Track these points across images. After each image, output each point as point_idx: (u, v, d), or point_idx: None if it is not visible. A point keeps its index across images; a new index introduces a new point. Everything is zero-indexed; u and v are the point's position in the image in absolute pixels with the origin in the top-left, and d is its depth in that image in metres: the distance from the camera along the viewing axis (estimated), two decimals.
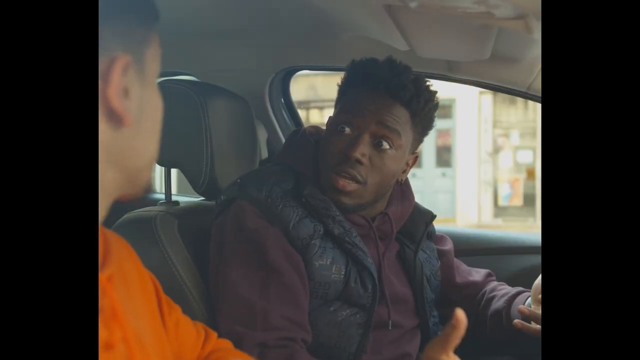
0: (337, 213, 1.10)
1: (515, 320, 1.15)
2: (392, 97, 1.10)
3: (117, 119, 0.56)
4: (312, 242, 1.07)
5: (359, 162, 1.08)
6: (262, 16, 1.38)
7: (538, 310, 1.14)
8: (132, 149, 0.58)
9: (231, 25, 1.46)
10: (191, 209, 1.27)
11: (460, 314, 0.83)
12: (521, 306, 1.17)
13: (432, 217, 1.28)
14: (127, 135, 0.57)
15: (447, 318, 1.32)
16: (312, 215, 1.10)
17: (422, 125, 1.17)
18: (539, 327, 1.13)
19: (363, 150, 1.08)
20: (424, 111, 1.14)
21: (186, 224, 1.17)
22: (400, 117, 1.11)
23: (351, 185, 1.09)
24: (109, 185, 0.58)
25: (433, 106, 1.16)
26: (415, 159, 1.20)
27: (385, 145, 1.10)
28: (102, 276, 0.57)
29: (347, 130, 1.11)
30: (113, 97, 0.55)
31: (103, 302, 0.56)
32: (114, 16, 0.56)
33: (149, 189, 0.63)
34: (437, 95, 1.17)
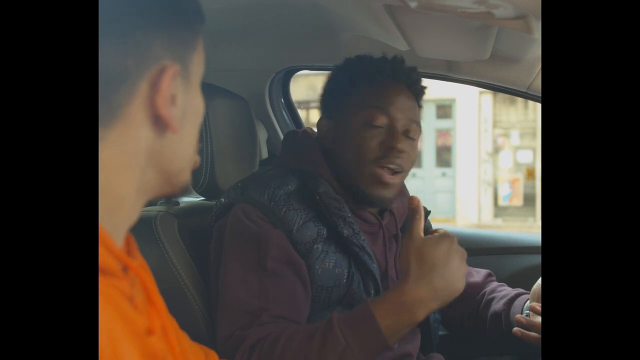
0: (349, 214, 1.10)
1: (514, 329, 1.15)
2: (411, 90, 1.16)
3: (162, 126, 0.56)
4: (315, 246, 1.07)
5: (402, 152, 1.11)
6: (262, 16, 1.38)
7: (535, 318, 1.14)
8: (174, 153, 0.59)
9: (231, 25, 1.46)
10: (191, 209, 1.27)
11: (414, 197, 0.99)
12: (518, 315, 1.16)
13: (427, 213, 1.29)
14: (169, 141, 0.58)
15: (447, 318, 1.33)
16: (317, 218, 1.09)
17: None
18: (537, 335, 1.12)
19: (403, 140, 1.12)
20: (421, 107, 1.20)
21: (186, 224, 1.17)
22: (417, 108, 1.18)
23: (396, 177, 1.12)
24: (148, 185, 0.59)
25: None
26: None
27: (413, 135, 1.14)
28: (134, 263, 0.57)
29: (379, 123, 1.12)
30: (162, 105, 0.55)
31: (135, 290, 0.57)
32: (165, 25, 0.57)
33: (187, 189, 0.64)
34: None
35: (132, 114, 0.54)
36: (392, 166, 1.11)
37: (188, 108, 0.60)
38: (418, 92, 1.17)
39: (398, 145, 1.10)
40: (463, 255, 0.97)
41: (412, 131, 1.14)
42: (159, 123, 0.56)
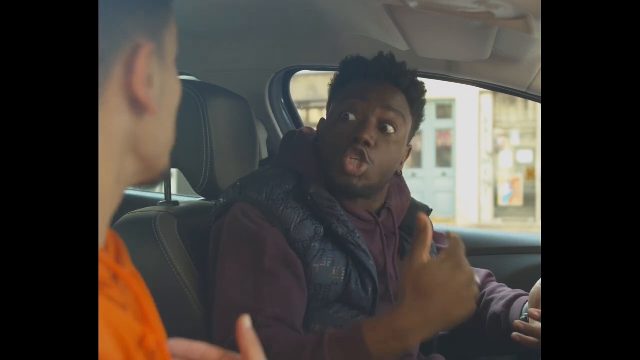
0: (342, 213, 1.10)
1: (513, 334, 1.15)
2: (393, 83, 1.14)
3: (140, 108, 0.54)
4: (312, 244, 1.07)
5: (367, 144, 1.09)
6: (262, 16, 1.38)
7: (533, 323, 1.14)
8: (152, 136, 0.57)
9: (231, 25, 1.46)
10: (191, 209, 1.27)
11: (423, 216, 0.92)
12: (517, 321, 1.16)
13: (428, 211, 1.29)
14: (147, 123, 0.55)
15: None
16: (314, 216, 1.10)
17: (417, 115, 1.20)
18: (536, 340, 1.13)
19: (371, 133, 1.10)
20: (419, 101, 1.19)
21: (186, 224, 1.17)
22: (402, 103, 1.15)
23: (361, 168, 1.10)
24: (127, 173, 0.56)
25: (424, 99, 1.21)
26: (409, 151, 1.23)
27: (390, 129, 1.12)
28: (124, 271, 0.55)
29: (352, 117, 1.12)
30: (138, 86, 0.53)
31: (128, 298, 0.54)
32: (135, 2, 0.54)
33: (166, 174, 0.61)
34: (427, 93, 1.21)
35: (108, 98, 0.52)
36: (354, 155, 1.10)
37: (165, 88, 0.57)
38: (405, 87, 1.15)
39: (362, 136, 1.09)
40: (469, 278, 0.90)
41: (389, 127, 1.12)
42: (136, 106, 0.53)
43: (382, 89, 1.14)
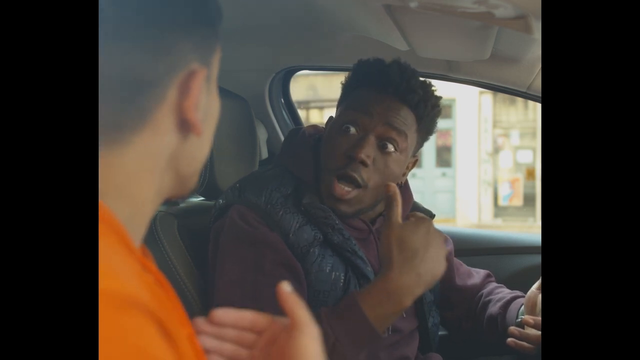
0: (337, 222, 1.09)
1: (508, 340, 1.15)
2: (400, 100, 1.10)
3: (188, 130, 0.56)
4: (311, 250, 1.06)
5: (363, 163, 1.06)
6: (262, 16, 1.38)
7: (528, 330, 1.14)
8: (192, 155, 0.59)
9: (231, 25, 1.46)
10: (191, 209, 1.27)
11: (391, 185, 0.98)
12: (512, 328, 1.16)
13: (431, 216, 1.28)
14: (190, 144, 0.58)
15: (445, 319, 1.33)
16: (312, 223, 1.09)
17: (426, 130, 1.16)
18: (530, 346, 1.13)
19: (368, 151, 1.07)
20: (430, 116, 1.14)
21: (186, 224, 1.17)
22: (407, 120, 1.10)
23: (350, 193, 1.08)
24: (165, 188, 0.58)
25: (437, 112, 1.16)
26: (415, 162, 1.20)
27: (390, 147, 1.09)
28: (154, 267, 0.56)
29: (352, 130, 1.09)
30: (191, 109, 0.55)
31: (148, 277, 0.54)
32: (192, 27, 0.56)
33: (196, 189, 0.63)
34: (441, 101, 1.17)
35: (159, 119, 0.54)
36: (349, 176, 1.06)
37: (208, 110, 0.59)
38: (413, 104, 1.10)
39: (359, 156, 1.05)
40: (441, 238, 0.98)
41: (389, 145, 1.09)
42: (185, 127, 0.56)
43: (388, 104, 1.09)
